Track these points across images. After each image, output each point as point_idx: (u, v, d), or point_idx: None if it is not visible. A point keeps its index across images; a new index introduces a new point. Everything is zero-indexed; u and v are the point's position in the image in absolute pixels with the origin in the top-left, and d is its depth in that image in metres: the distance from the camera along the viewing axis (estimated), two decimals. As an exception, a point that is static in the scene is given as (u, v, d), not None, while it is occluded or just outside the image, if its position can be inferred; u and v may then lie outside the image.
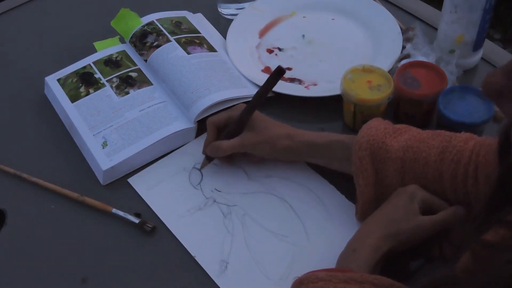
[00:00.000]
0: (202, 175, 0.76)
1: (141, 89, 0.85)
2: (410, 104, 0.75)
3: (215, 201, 0.73)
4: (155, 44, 0.89)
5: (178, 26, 0.93)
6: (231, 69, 0.88)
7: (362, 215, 0.66)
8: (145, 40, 0.90)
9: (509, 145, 0.35)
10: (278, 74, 0.71)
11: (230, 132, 0.73)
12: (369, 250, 0.58)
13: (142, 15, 0.93)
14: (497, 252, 0.34)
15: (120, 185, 0.76)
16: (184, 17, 0.95)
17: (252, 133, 0.72)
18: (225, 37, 0.94)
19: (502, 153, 0.35)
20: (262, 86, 0.72)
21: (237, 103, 0.81)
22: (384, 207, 0.62)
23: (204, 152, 0.75)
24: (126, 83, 0.85)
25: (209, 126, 0.74)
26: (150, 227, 0.70)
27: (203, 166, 0.76)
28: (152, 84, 0.86)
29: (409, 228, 0.60)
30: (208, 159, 0.75)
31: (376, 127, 0.66)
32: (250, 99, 0.83)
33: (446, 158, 0.61)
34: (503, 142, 0.36)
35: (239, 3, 0.99)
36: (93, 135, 0.79)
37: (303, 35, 0.94)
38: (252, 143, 0.72)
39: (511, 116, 0.35)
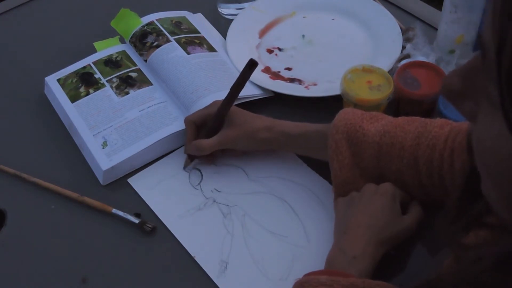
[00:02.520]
0: (202, 176, 0.76)
1: (141, 89, 0.85)
2: (410, 104, 0.75)
3: (215, 201, 0.73)
4: (155, 44, 0.89)
5: (178, 26, 0.93)
6: (231, 69, 0.88)
7: (337, 196, 0.68)
8: (145, 40, 0.90)
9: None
10: (251, 67, 0.71)
11: (210, 129, 0.74)
12: (371, 258, 0.59)
13: (142, 15, 0.93)
14: (479, 254, 0.35)
15: (120, 185, 0.76)
16: (184, 17, 0.95)
17: (230, 129, 0.73)
18: (225, 37, 0.94)
19: (471, 151, 0.36)
20: (237, 80, 0.73)
21: (238, 103, 0.81)
22: (367, 208, 0.62)
23: (185, 152, 0.76)
24: (126, 83, 0.85)
25: (187, 124, 0.75)
26: (150, 227, 0.70)
27: (186, 165, 0.76)
28: (152, 84, 0.86)
29: (400, 230, 0.62)
30: (190, 158, 0.76)
31: (353, 112, 0.68)
32: (250, 99, 0.83)
33: (422, 143, 0.62)
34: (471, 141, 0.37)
35: (239, 3, 0.99)
36: (93, 135, 0.79)
37: (303, 35, 0.94)
38: (232, 139, 0.73)
39: (468, 116, 0.36)
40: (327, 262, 0.60)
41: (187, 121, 0.75)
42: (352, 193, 0.65)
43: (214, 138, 0.74)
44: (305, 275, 0.57)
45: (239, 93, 0.73)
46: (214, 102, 0.76)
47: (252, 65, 0.71)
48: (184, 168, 0.77)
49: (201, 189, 0.74)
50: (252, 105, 0.83)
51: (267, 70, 0.89)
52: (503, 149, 0.32)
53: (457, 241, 0.40)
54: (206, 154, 0.75)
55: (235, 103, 0.80)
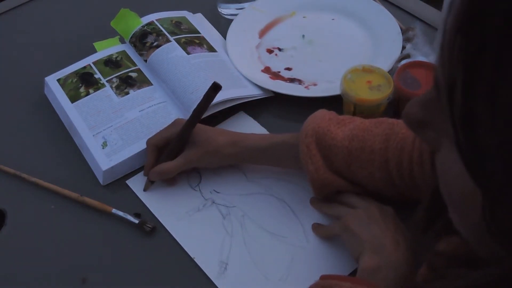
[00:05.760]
0: (200, 177, 0.76)
1: (141, 89, 0.85)
2: (410, 105, 0.75)
3: (214, 202, 0.73)
4: (155, 44, 0.89)
5: (178, 26, 0.93)
6: (231, 69, 0.88)
7: (319, 200, 0.68)
8: (145, 40, 0.90)
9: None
10: (214, 89, 0.71)
11: (172, 150, 0.73)
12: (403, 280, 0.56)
13: (142, 15, 0.93)
14: (452, 261, 0.35)
15: (120, 185, 0.76)
16: (184, 17, 0.95)
17: (194, 149, 0.72)
18: (225, 37, 0.94)
19: (435, 168, 0.35)
20: (200, 102, 0.72)
21: (237, 103, 0.81)
22: (383, 230, 0.60)
23: (145, 175, 0.75)
24: (126, 83, 0.85)
25: (149, 147, 0.74)
26: (150, 228, 0.70)
27: (146, 188, 0.75)
28: (152, 84, 0.86)
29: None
30: (151, 181, 0.74)
31: (321, 116, 0.67)
32: (250, 99, 0.83)
33: (391, 145, 0.62)
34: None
35: (239, 3, 0.99)
36: (93, 135, 0.79)
37: (303, 35, 0.94)
38: (196, 158, 0.72)
39: (431, 145, 0.36)
40: (365, 272, 0.57)
41: (148, 143, 0.74)
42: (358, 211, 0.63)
43: (178, 159, 0.72)
44: (324, 278, 0.55)
45: (202, 114, 0.72)
46: (176, 121, 0.74)
47: (215, 88, 0.71)
48: (144, 191, 0.75)
49: (200, 190, 0.74)
50: (252, 105, 0.83)
51: (267, 70, 0.89)
52: (465, 188, 0.31)
53: (430, 249, 0.40)
54: (172, 177, 0.73)
55: (236, 102, 0.80)
